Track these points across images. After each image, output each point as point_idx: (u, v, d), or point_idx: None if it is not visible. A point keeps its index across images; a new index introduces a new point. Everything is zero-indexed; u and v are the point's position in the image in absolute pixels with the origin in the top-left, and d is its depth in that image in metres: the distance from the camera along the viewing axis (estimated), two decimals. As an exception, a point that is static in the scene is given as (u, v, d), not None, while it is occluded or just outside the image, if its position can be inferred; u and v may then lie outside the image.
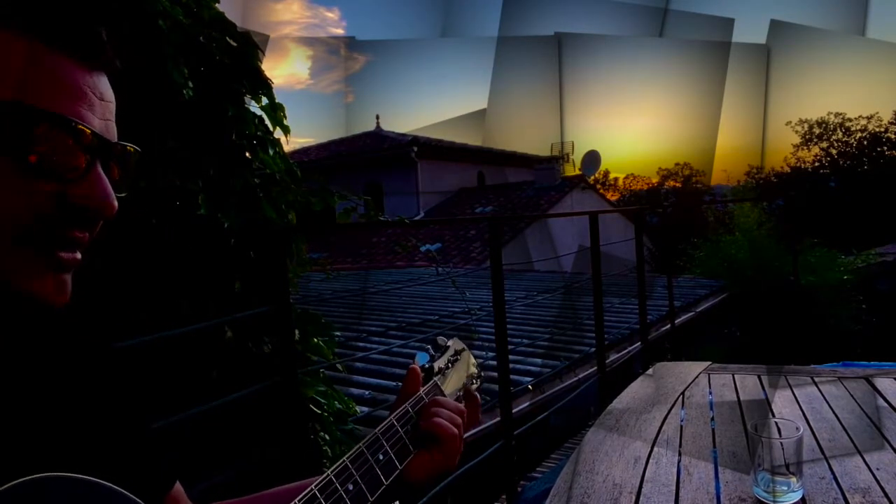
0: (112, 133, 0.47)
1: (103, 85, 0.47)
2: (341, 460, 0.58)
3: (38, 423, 0.45)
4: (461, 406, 0.75)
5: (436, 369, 0.81)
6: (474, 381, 0.88)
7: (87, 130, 0.44)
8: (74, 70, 0.44)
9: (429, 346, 0.85)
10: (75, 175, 0.44)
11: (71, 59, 0.44)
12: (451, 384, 0.82)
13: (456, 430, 0.70)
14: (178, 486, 0.61)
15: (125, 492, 0.45)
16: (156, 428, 0.59)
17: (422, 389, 0.75)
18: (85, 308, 0.47)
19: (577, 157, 16.31)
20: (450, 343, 0.88)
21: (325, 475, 0.55)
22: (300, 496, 0.52)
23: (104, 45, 0.46)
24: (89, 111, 0.45)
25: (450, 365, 0.84)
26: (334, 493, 0.55)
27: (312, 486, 0.53)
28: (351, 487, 0.57)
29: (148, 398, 0.59)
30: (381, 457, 0.62)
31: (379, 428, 0.65)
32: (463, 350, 0.89)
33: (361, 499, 0.57)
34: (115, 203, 0.46)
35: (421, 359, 0.81)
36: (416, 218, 12.36)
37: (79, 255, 0.46)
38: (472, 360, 0.89)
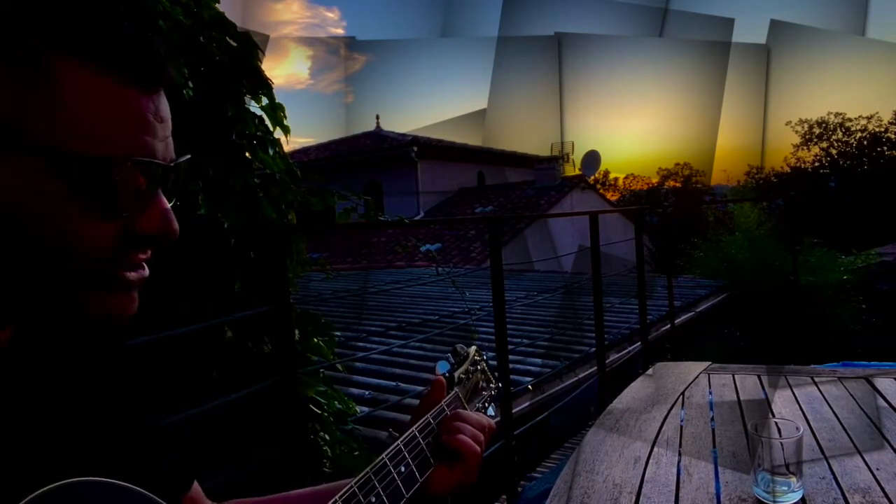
0: (171, 150, 0.46)
1: (163, 105, 0.45)
2: (364, 471, 0.58)
3: (62, 424, 0.46)
4: (483, 420, 0.74)
5: (456, 379, 0.81)
6: (492, 392, 0.87)
7: (157, 168, 0.44)
8: (139, 100, 0.43)
9: (448, 355, 0.84)
10: (141, 208, 0.44)
11: (136, 88, 0.42)
12: (471, 394, 0.82)
13: (478, 449, 0.69)
14: (196, 486, 0.62)
15: (153, 496, 0.45)
16: (172, 427, 0.59)
17: (444, 400, 0.75)
18: None
19: (577, 157, 16.32)
20: (469, 351, 0.87)
21: (348, 487, 0.55)
22: None
23: (163, 62, 0.45)
24: (153, 139, 0.44)
25: (469, 375, 0.84)
26: None
27: (337, 497, 0.54)
28: (374, 500, 0.57)
29: (161, 398, 0.59)
30: (402, 469, 0.62)
31: (401, 439, 0.65)
32: (480, 360, 0.88)
33: None
34: (177, 226, 0.46)
35: (441, 367, 0.81)
36: (416, 218, 12.36)
37: (146, 271, 0.47)
38: (489, 370, 0.89)
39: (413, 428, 0.68)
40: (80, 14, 0.40)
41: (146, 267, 0.47)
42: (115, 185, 0.41)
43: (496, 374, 0.91)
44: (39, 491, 0.37)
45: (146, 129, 0.43)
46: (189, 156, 0.49)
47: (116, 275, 0.44)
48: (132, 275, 0.45)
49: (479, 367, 0.86)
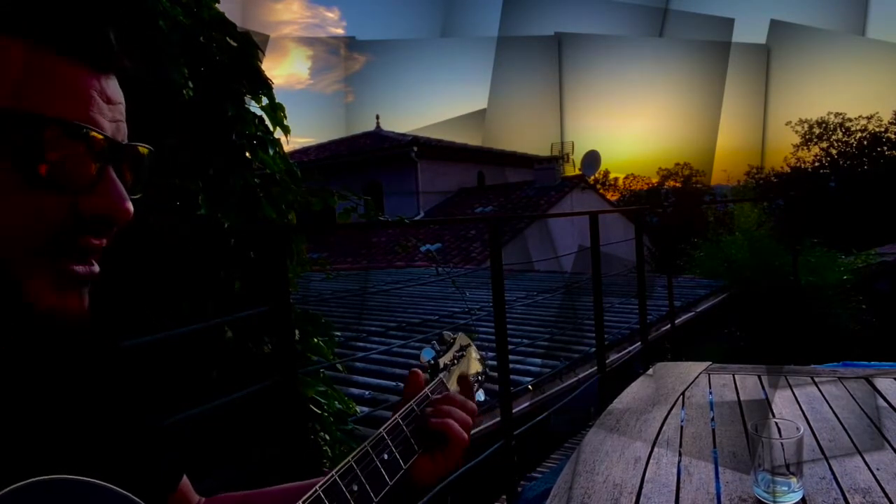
0: (123, 135, 0.46)
1: (112, 87, 0.45)
2: (346, 460, 0.58)
3: (48, 423, 0.45)
4: (470, 403, 0.74)
5: (441, 365, 0.80)
6: (479, 377, 0.87)
7: (98, 136, 0.42)
8: (81, 74, 0.42)
9: (434, 342, 0.84)
10: (87, 182, 0.42)
11: (77, 63, 0.42)
12: (456, 380, 0.82)
13: (465, 434, 0.69)
14: (184, 480, 0.61)
15: (130, 495, 0.45)
16: (163, 427, 0.58)
17: (427, 388, 0.74)
18: (93, 307, 0.47)
19: (577, 157, 16.31)
20: (455, 338, 0.86)
21: (329, 475, 0.55)
22: (306, 496, 0.52)
23: (112, 47, 0.45)
24: (99, 115, 0.43)
25: (455, 361, 0.83)
26: (339, 493, 0.55)
27: (317, 486, 0.53)
28: (356, 488, 0.56)
29: (155, 397, 0.59)
30: (385, 456, 0.62)
31: (384, 427, 0.65)
32: (468, 345, 0.88)
33: (366, 499, 0.57)
34: (131, 208, 0.45)
35: (426, 354, 0.81)
36: (416, 218, 12.36)
37: (96, 268, 0.45)
38: (478, 356, 0.89)
39: (396, 415, 0.67)
40: None
41: (95, 263, 0.45)
42: (50, 146, 0.40)
43: (488, 360, 0.91)
44: (8, 488, 0.37)
45: (89, 103, 0.42)
46: (148, 146, 0.48)
47: (61, 264, 0.42)
48: (79, 268, 0.43)
49: (466, 354, 0.86)
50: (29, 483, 0.38)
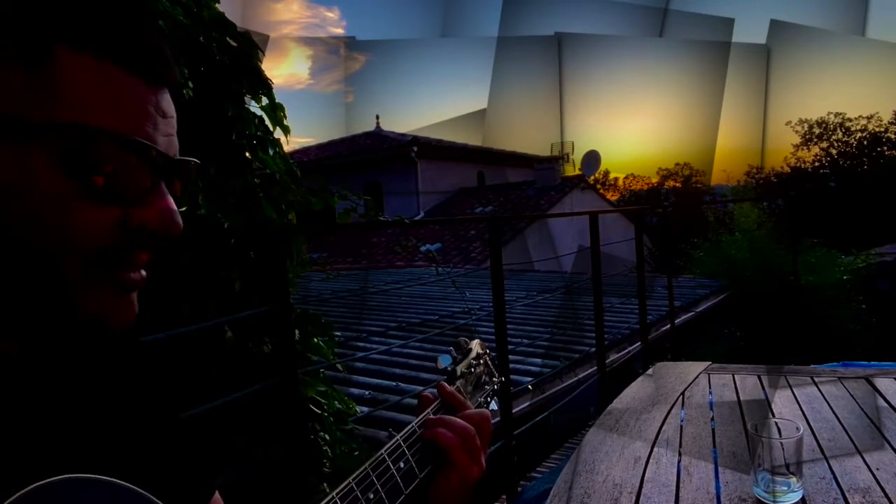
0: (174, 149, 0.46)
1: (166, 101, 0.45)
2: (363, 467, 0.58)
3: (81, 430, 0.45)
4: (481, 414, 0.71)
5: (458, 373, 0.80)
6: (495, 386, 0.86)
7: (153, 150, 0.43)
8: (139, 88, 0.43)
9: (451, 349, 0.84)
10: (140, 196, 0.43)
11: (136, 77, 0.42)
12: (474, 389, 0.81)
13: (457, 440, 0.66)
14: (216, 496, 0.60)
15: (152, 496, 0.44)
16: (190, 428, 0.58)
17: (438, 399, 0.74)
18: None
19: (577, 157, 16.33)
20: (473, 345, 0.86)
21: (346, 482, 0.55)
22: (323, 502, 0.52)
23: (168, 61, 0.45)
24: (153, 130, 0.43)
25: (472, 369, 0.83)
26: (356, 501, 0.55)
27: (334, 493, 0.53)
28: (372, 496, 0.56)
29: (177, 396, 0.58)
30: (401, 465, 0.62)
31: (401, 434, 0.64)
32: (484, 354, 0.87)
33: None
34: (181, 222, 0.45)
35: (444, 361, 0.80)
36: (416, 218, 12.35)
37: (144, 274, 0.45)
38: (493, 365, 0.88)
39: (413, 423, 0.67)
40: (83, 7, 0.41)
41: (144, 270, 0.46)
42: (106, 159, 0.40)
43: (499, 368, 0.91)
44: (24, 490, 0.36)
45: (145, 117, 0.43)
46: (197, 160, 0.49)
47: (115, 273, 0.43)
48: (133, 275, 0.44)
49: (482, 362, 0.85)
50: (65, 479, 0.38)
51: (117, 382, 0.51)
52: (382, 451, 0.61)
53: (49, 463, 0.39)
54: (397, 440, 0.63)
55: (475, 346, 0.86)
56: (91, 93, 0.40)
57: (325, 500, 0.52)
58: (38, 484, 0.37)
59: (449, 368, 0.80)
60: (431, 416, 0.71)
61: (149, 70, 0.43)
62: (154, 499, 0.44)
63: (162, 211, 0.44)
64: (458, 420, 0.69)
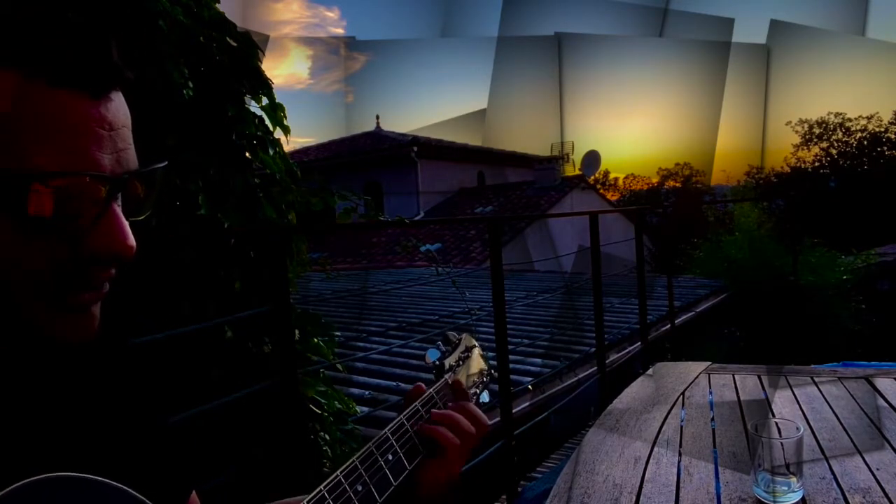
0: (126, 161, 0.43)
1: (113, 110, 0.42)
2: (351, 460, 0.58)
3: (60, 425, 0.45)
4: (471, 409, 0.72)
5: (446, 366, 0.80)
6: (484, 378, 0.87)
7: (96, 180, 0.40)
8: (79, 105, 0.39)
9: (439, 342, 0.84)
10: (87, 224, 0.41)
11: (77, 93, 0.39)
12: (462, 382, 0.81)
13: (455, 439, 0.67)
14: (193, 496, 0.60)
15: (135, 493, 0.44)
16: (173, 429, 0.57)
17: (432, 389, 0.74)
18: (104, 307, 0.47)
19: (577, 157, 16.31)
20: (461, 339, 0.86)
21: (334, 475, 0.55)
22: (310, 496, 0.52)
23: (114, 66, 0.41)
24: (98, 151, 0.40)
25: (461, 362, 0.82)
26: (343, 493, 0.55)
27: (321, 486, 0.53)
28: (360, 488, 0.56)
29: (164, 397, 0.58)
30: (390, 457, 0.62)
31: (389, 427, 0.64)
32: (474, 346, 0.87)
33: (370, 500, 0.57)
34: (133, 244, 0.43)
35: (432, 355, 0.80)
36: (416, 218, 12.36)
37: (105, 289, 0.45)
38: (483, 357, 0.88)
39: (401, 416, 0.67)
40: (8, 20, 0.38)
41: (105, 285, 0.45)
42: (43, 196, 0.38)
43: (491, 362, 0.90)
44: (10, 487, 0.37)
45: (87, 139, 0.40)
46: (160, 165, 0.46)
47: (69, 297, 0.42)
48: (86, 296, 0.43)
49: (472, 355, 0.85)
50: (39, 479, 0.38)
51: (96, 384, 0.51)
52: (370, 444, 0.61)
53: (27, 463, 0.39)
54: (385, 433, 0.63)
55: (465, 339, 0.86)
56: (23, 126, 0.37)
57: (313, 494, 0.52)
58: (20, 483, 0.37)
59: (437, 362, 0.79)
60: (435, 397, 0.72)
61: (90, 82, 0.40)
62: (138, 495, 0.44)
63: (111, 237, 0.42)
64: (465, 422, 0.70)
